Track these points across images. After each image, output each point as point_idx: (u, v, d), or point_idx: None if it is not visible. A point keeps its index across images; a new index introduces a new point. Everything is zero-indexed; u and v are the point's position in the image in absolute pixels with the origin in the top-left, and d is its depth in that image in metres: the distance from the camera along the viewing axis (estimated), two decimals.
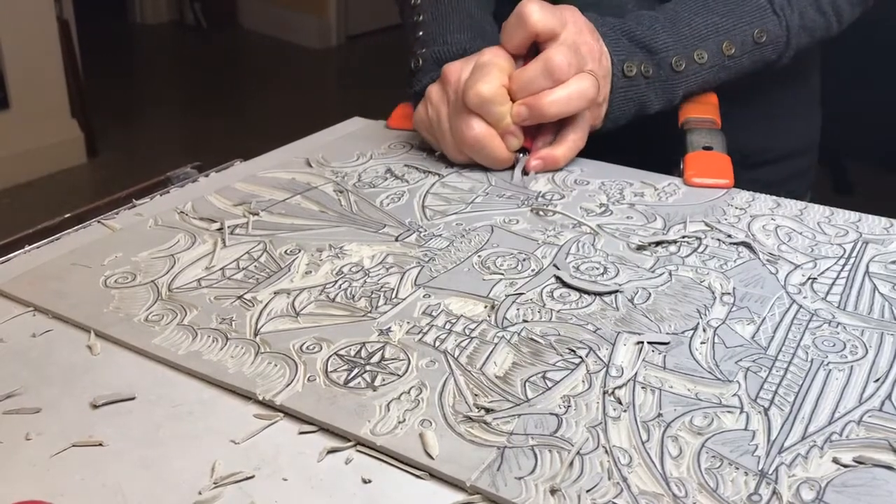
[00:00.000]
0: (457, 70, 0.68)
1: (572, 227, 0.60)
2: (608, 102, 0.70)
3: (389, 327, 0.48)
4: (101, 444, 0.39)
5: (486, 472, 0.37)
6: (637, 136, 0.72)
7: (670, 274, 0.54)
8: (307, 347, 0.46)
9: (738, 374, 0.44)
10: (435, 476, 0.38)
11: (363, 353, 0.45)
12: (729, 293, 0.51)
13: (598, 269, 0.54)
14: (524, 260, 0.55)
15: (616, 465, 0.38)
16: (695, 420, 0.41)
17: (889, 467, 0.38)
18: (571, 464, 0.38)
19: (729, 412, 0.41)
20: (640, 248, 0.57)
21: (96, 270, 0.53)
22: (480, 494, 0.37)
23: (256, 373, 0.44)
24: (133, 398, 0.42)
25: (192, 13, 4.13)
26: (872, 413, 0.41)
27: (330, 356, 0.45)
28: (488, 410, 0.41)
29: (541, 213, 0.62)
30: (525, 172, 0.68)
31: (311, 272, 0.53)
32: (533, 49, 0.67)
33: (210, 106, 3.33)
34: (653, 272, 0.54)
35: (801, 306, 0.50)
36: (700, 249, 0.57)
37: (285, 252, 0.56)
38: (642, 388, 0.43)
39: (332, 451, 0.39)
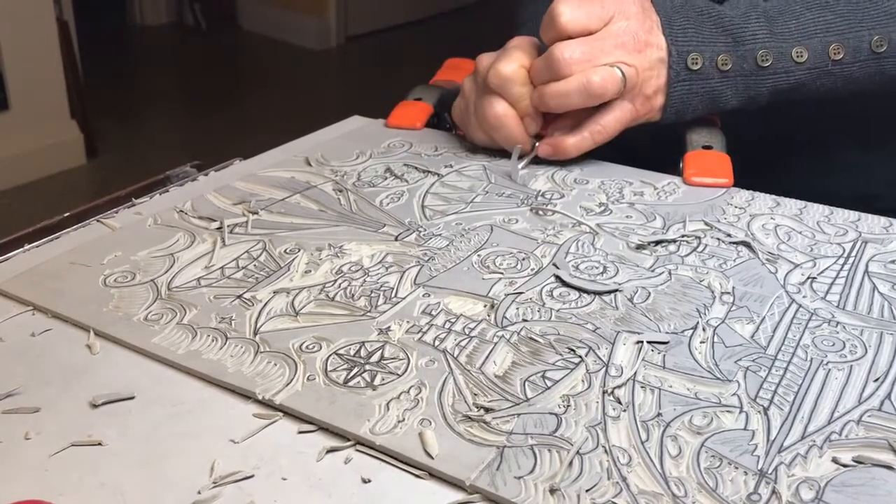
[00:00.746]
0: (487, 59, 0.70)
1: (572, 226, 0.60)
2: (665, 95, 0.67)
3: (389, 326, 0.48)
4: (100, 444, 0.39)
5: (485, 472, 0.37)
6: (637, 136, 0.72)
7: (670, 273, 0.54)
8: (306, 347, 0.46)
9: (737, 373, 0.44)
10: (434, 475, 0.38)
11: (363, 353, 0.45)
12: (728, 292, 0.51)
13: (597, 268, 0.54)
14: (524, 259, 0.55)
15: (615, 465, 0.38)
16: (694, 419, 0.41)
17: (888, 467, 0.38)
18: (571, 463, 0.38)
19: (728, 412, 0.41)
20: (640, 247, 0.57)
21: (95, 269, 0.53)
22: (480, 494, 0.37)
23: (256, 372, 0.44)
24: (132, 397, 0.42)
25: (192, 14, 4.13)
26: (872, 413, 0.41)
27: (329, 355, 0.45)
28: (488, 410, 0.41)
29: (540, 212, 0.62)
30: (529, 161, 0.68)
31: (310, 271, 0.53)
32: None
33: (210, 106, 3.33)
34: (652, 271, 0.54)
35: (800, 306, 0.50)
36: (699, 249, 0.57)
37: (285, 251, 0.56)
38: (642, 387, 0.43)
39: (332, 450, 0.39)
